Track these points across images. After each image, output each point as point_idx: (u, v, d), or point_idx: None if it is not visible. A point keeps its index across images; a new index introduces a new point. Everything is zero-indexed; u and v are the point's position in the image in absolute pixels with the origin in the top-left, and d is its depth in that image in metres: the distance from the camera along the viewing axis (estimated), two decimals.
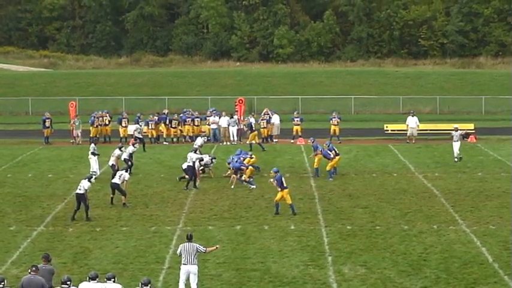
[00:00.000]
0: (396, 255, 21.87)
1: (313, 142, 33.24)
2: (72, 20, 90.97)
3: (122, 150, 32.85)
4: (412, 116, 42.64)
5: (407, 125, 42.63)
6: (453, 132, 37.34)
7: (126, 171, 28.79)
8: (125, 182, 27.87)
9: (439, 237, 23.62)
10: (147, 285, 16.58)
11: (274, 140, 42.94)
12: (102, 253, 22.29)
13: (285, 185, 26.50)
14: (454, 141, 36.82)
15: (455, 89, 62.22)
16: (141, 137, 40.05)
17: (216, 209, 27.42)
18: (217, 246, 20.11)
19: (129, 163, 32.83)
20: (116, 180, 27.78)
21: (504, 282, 19.71)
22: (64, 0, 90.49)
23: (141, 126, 41.19)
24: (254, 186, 30.44)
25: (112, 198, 27.89)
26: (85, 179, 26.24)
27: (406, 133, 43.41)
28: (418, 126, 42.73)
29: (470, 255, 21.78)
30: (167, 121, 43.14)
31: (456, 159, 36.36)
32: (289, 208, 26.44)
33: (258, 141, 40.19)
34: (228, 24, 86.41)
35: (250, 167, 31.50)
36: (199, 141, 35.33)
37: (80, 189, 25.80)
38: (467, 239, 23.45)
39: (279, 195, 26.47)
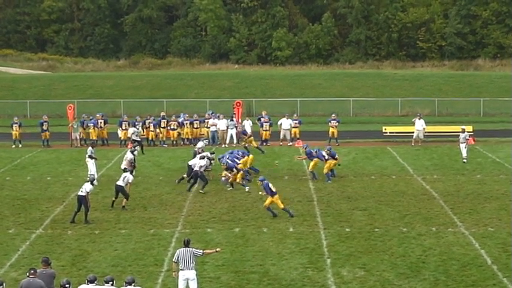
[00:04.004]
0: (395, 257, 21.87)
1: (305, 148, 33.32)
2: (70, 22, 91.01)
3: (134, 154, 32.82)
4: (419, 119, 42.60)
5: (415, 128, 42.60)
6: (460, 133, 37.35)
7: (131, 173, 28.76)
8: (128, 184, 27.90)
9: (437, 239, 23.62)
10: (131, 284, 16.66)
11: (289, 144, 42.72)
12: (101, 256, 22.28)
13: (274, 190, 26.40)
14: (461, 142, 36.81)
15: (454, 91, 62.26)
16: (139, 139, 40.06)
17: (214, 211, 27.42)
18: (217, 249, 20.03)
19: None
20: (120, 182, 27.80)
21: (503, 284, 19.71)
22: (62, 3, 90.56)
23: (138, 129, 41.17)
24: (248, 188, 30.43)
25: (114, 201, 27.85)
26: (88, 181, 26.26)
27: (404, 135, 43.54)
28: (424, 129, 42.69)
29: (469, 258, 21.78)
30: (162, 123, 43.01)
31: (465, 160, 36.39)
32: (285, 212, 26.37)
33: (255, 145, 40.00)
34: (227, 26, 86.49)
35: (241, 172, 31.28)
36: (200, 144, 35.25)
37: (81, 192, 25.83)
38: (466, 241, 23.45)
39: (268, 201, 26.40)
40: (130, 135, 41.07)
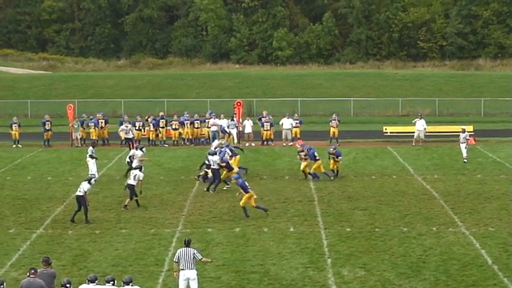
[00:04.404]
0: (395, 257, 21.86)
1: (303, 147, 33.37)
2: (71, 22, 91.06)
3: (143, 151, 32.74)
4: (420, 119, 42.62)
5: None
6: (460, 133, 37.39)
7: (140, 170, 28.71)
8: (139, 181, 27.93)
9: (438, 239, 23.62)
10: (129, 284, 16.68)
11: (290, 143, 42.70)
12: (102, 256, 22.28)
13: (249, 189, 26.43)
14: (461, 142, 36.82)
15: (455, 91, 62.27)
16: (130, 137, 40.41)
17: (215, 211, 27.42)
18: (212, 260, 20.37)
19: (131, 165, 32.69)
20: (131, 181, 27.84)
21: (503, 284, 19.71)
22: (63, 3, 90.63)
23: (127, 127, 41.09)
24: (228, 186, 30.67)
25: (137, 200, 27.80)
26: (85, 181, 26.26)
27: (405, 135, 43.57)
28: (425, 129, 42.71)
29: (470, 257, 21.77)
30: (161, 123, 42.97)
31: (465, 160, 36.42)
32: (243, 210, 26.38)
33: (233, 144, 39.84)
34: (227, 26, 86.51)
35: (234, 170, 31.21)
36: (215, 143, 35.05)
37: (79, 191, 25.83)
38: (466, 241, 23.45)
39: (251, 200, 26.38)
40: (119, 132, 41.25)
